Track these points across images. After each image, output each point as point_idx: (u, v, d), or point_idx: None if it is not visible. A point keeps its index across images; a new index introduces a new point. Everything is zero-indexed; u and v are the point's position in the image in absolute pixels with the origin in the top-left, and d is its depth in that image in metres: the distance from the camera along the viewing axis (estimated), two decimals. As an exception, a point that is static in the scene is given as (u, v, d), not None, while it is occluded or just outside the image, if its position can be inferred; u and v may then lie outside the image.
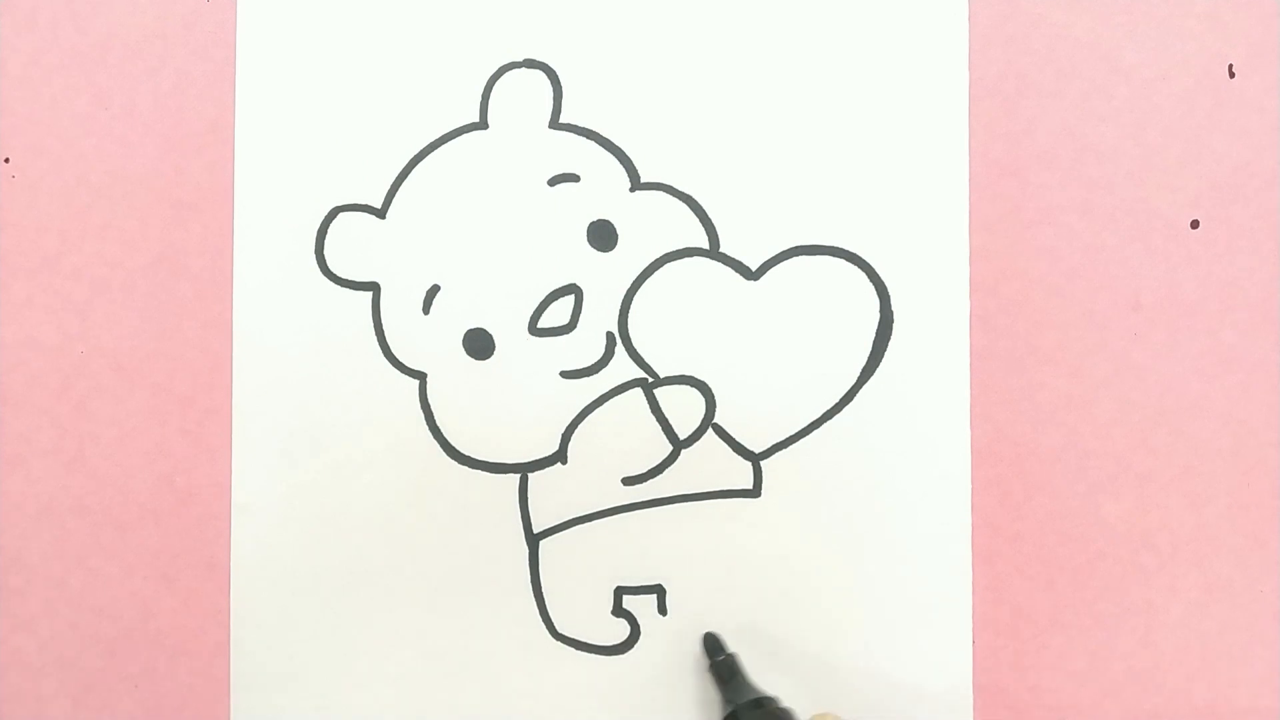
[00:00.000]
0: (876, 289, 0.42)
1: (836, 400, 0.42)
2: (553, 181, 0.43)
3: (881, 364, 0.42)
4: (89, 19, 0.43)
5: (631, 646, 0.42)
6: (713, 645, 0.41)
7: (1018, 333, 0.42)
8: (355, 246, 0.43)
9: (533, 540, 0.43)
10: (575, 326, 0.43)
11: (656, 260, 0.43)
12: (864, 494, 0.42)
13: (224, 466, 0.43)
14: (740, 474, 0.42)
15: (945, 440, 0.42)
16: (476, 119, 0.43)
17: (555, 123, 0.43)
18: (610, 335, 0.43)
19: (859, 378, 0.42)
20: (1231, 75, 0.42)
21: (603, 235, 0.43)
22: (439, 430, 0.43)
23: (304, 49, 0.43)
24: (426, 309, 0.43)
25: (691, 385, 0.42)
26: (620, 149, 0.43)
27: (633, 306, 0.43)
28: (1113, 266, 0.42)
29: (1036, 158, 0.42)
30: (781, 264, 0.42)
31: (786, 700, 0.40)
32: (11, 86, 0.43)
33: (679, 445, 0.42)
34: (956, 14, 0.42)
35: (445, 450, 0.43)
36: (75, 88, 0.43)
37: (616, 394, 0.42)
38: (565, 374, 0.43)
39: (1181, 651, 0.42)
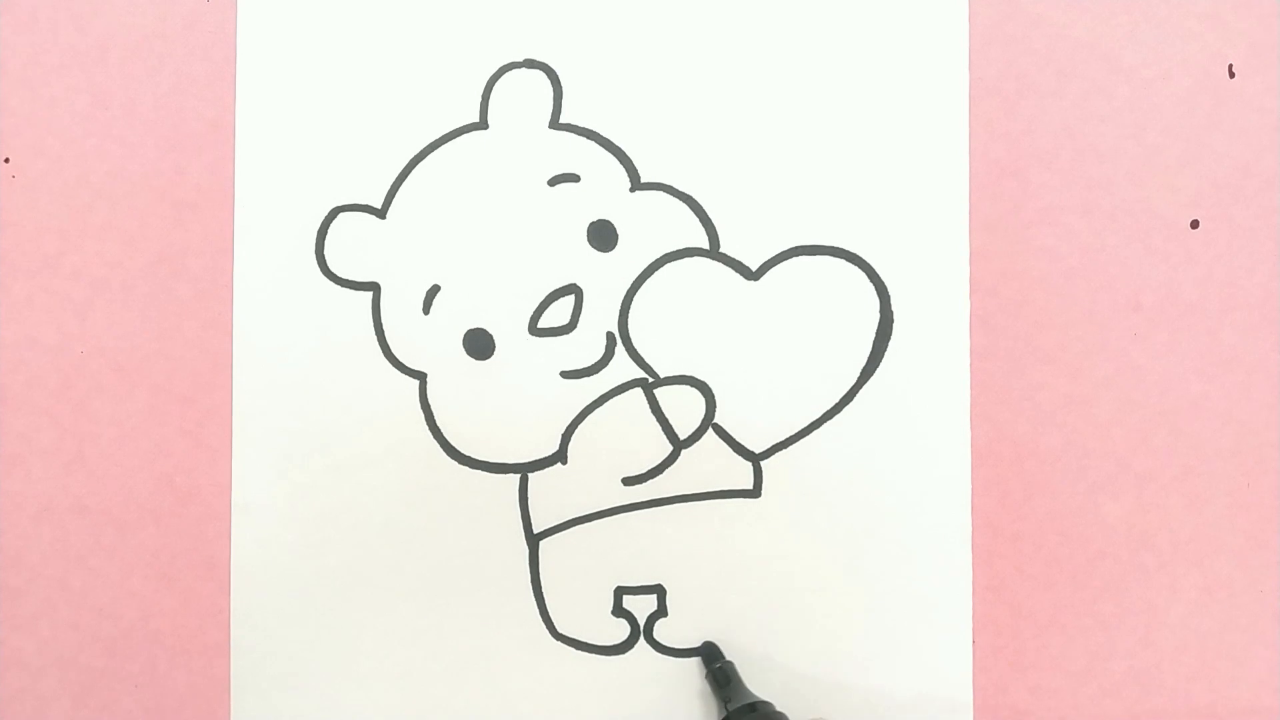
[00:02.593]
0: (876, 289, 0.42)
1: (836, 400, 0.42)
2: (553, 181, 0.43)
3: (881, 364, 0.42)
4: (89, 19, 0.43)
5: (631, 646, 0.42)
6: (710, 653, 0.42)
7: (1018, 333, 0.42)
8: (355, 246, 0.43)
9: (533, 540, 0.43)
10: (575, 326, 0.43)
11: (656, 260, 0.43)
12: (864, 494, 0.42)
13: (224, 466, 0.43)
14: (740, 474, 0.42)
15: (945, 440, 0.42)
16: (476, 119, 0.43)
17: (555, 123, 0.43)
18: (610, 335, 0.43)
19: (859, 378, 0.42)
20: (1231, 75, 0.42)
21: (603, 235, 0.43)
22: (439, 430, 0.43)
23: (304, 49, 0.43)
24: (426, 309, 0.43)
25: (691, 385, 0.42)
26: (620, 149, 0.43)
27: (633, 306, 0.43)
28: (1113, 266, 0.42)
29: (1036, 158, 0.42)
30: (781, 264, 0.42)
31: (786, 699, 0.40)
32: (11, 86, 0.43)
33: (679, 445, 0.42)
34: (956, 14, 0.42)
35: (445, 450, 0.43)
36: (75, 88, 0.43)
37: (616, 394, 0.42)
38: (565, 374, 0.43)
39: (1181, 651, 0.42)
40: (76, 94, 0.43)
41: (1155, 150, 0.42)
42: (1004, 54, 0.42)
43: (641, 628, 0.42)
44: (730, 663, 0.41)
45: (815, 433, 0.42)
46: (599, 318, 0.43)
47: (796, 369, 0.42)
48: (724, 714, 0.40)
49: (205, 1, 0.43)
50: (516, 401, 0.43)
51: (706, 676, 0.41)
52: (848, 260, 0.42)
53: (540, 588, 0.43)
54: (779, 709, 0.39)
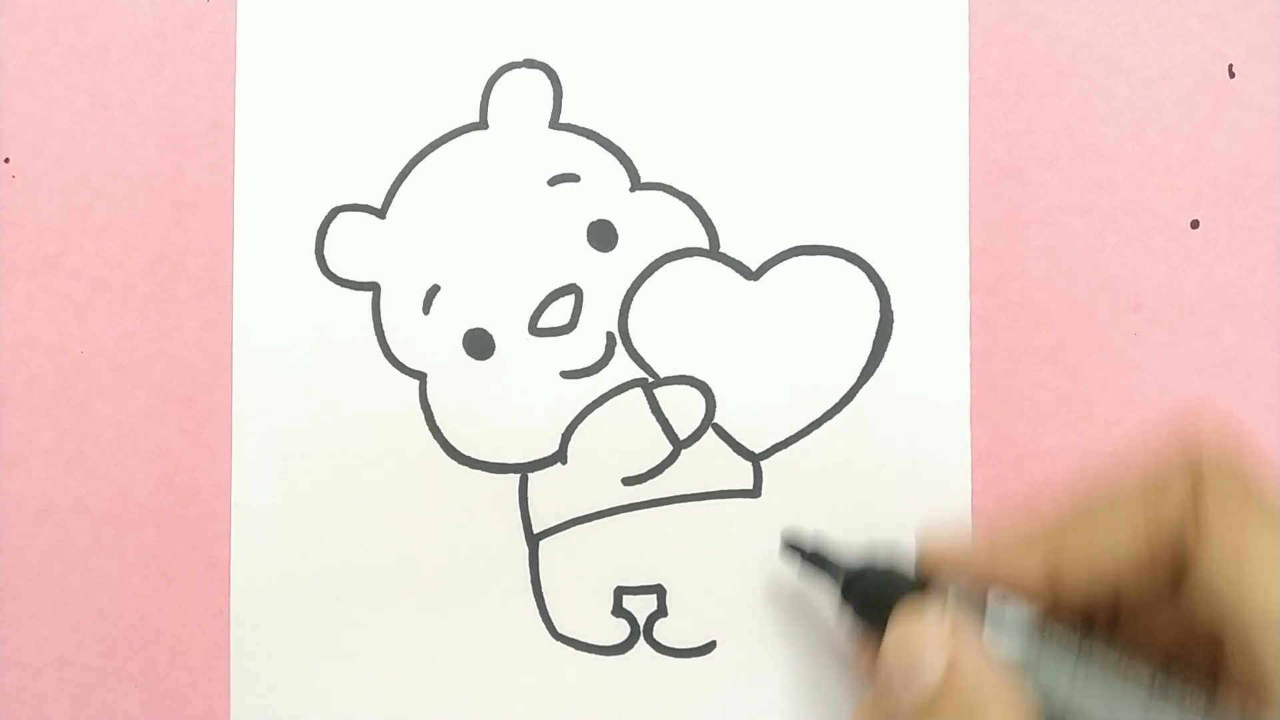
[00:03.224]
0: (876, 289, 0.42)
1: (836, 400, 0.42)
2: (553, 181, 0.43)
3: (881, 364, 0.42)
4: (89, 19, 0.43)
5: (631, 646, 0.42)
6: (795, 539, 0.39)
7: (1018, 333, 0.42)
8: (355, 246, 0.43)
9: (533, 540, 0.43)
10: (575, 326, 0.43)
11: (656, 260, 0.43)
12: (864, 494, 0.42)
13: (224, 466, 0.43)
14: (740, 474, 0.42)
15: (945, 440, 0.42)
16: (476, 119, 0.43)
17: (555, 123, 0.43)
18: (610, 335, 0.43)
19: (859, 378, 0.42)
20: (1231, 75, 0.42)
21: (603, 235, 0.43)
22: (439, 430, 0.43)
23: (304, 49, 0.43)
24: (426, 309, 0.43)
25: (691, 385, 0.42)
26: (620, 149, 0.43)
27: (633, 306, 0.43)
28: (1113, 266, 0.42)
29: (1036, 158, 0.42)
30: (781, 264, 0.42)
31: (787, 701, 0.40)
32: (11, 86, 0.43)
33: (679, 445, 0.42)
34: (956, 14, 0.42)
35: (445, 450, 0.43)
36: (75, 88, 0.43)
37: (616, 394, 0.42)
38: (565, 374, 0.43)
39: (1181, 651, 0.42)
40: (76, 94, 0.43)
41: (1155, 150, 0.42)
42: (1004, 54, 0.42)
43: (641, 628, 0.42)
44: (820, 539, 0.38)
45: (815, 433, 0.42)
46: (599, 318, 0.43)
47: (796, 369, 0.42)
48: (841, 582, 0.36)
49: (205, 1, 0.43)
50: (516, 401, 0.43)
51: (803, 562, 0.38)
52: (848, 260, 0.42)
53: (540, 588, 0.43)
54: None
